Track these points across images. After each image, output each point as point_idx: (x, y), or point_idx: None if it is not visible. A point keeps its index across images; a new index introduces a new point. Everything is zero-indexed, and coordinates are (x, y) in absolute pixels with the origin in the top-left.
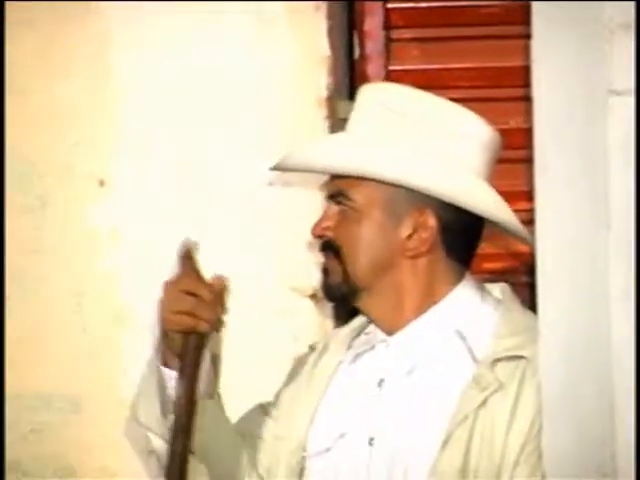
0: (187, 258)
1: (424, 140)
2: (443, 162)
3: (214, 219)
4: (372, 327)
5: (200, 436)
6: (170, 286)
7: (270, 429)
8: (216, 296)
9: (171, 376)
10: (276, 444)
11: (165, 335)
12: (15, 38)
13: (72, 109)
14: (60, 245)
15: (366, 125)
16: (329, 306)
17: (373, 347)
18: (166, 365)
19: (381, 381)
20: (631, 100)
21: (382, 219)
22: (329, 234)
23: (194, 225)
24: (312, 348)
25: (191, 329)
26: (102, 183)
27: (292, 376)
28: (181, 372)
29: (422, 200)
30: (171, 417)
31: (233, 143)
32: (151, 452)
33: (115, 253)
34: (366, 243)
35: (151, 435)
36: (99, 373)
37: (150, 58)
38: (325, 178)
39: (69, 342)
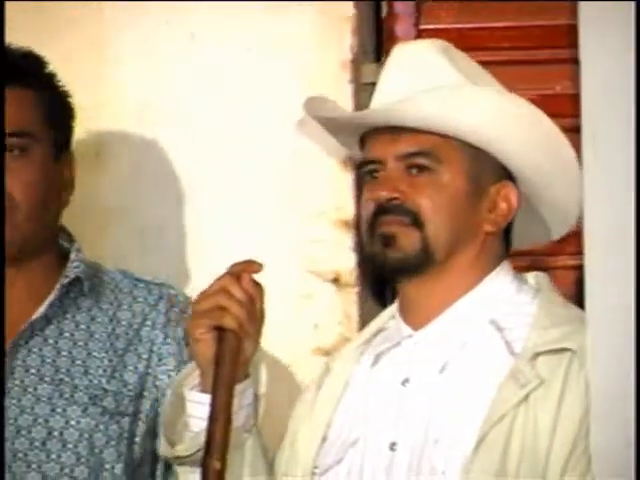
0: (241, 271)
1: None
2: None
3: (227, 197)
4: (392, 322)
5: (231, 473)
6: (201, 293)
7: (283, 457)
8: (250, 299)
9: (194, 399)
10: (288, 470)
11: (196, 343)
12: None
13: (65, 74)
14: None
15: (439, 81)
16: (353, 292)
17: (398, 344)
18: (192, 389)
19: (405, 380)
20: None
21: (467, 188)
22: (402, 197)
23: (204, 204)
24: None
25: (219, 323)
26: (98, 154)
27: (303, 394)
28: (217, 379)
29: (502, 172)
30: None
31: (245, 113)
32: None
33: (117, 231)
34: (452, 212)
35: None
36: None
37: (155, 19)
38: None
39: None
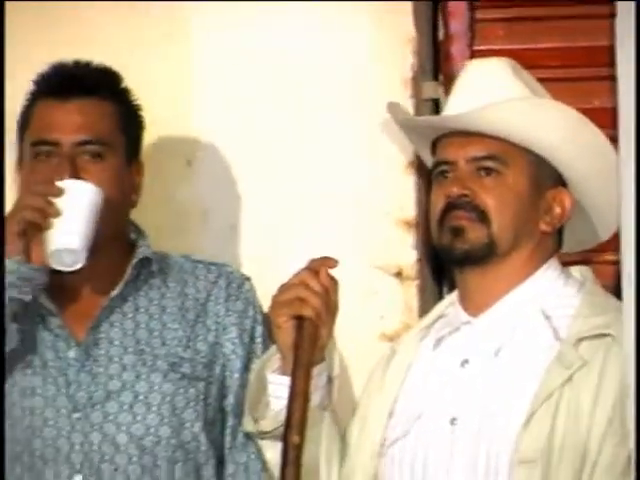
0: (319, 267)
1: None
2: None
3: (299, 198)
4: (451, 309)
5: (309, 446)
6: (282, 286)
7: (354, 430)
8: (326, 292)
9: (275, 381)
10: (359, 442)
11: (278, 330)
12: (103, 11)
13: (154, 83)
14: (148, 225)
15: (511, 93)
16: (414, 284)
17: (457, 329)
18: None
19: (464, 362)
20: None
21: (529, 190)
22: (471, 195)
23: (280, 206)
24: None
25: (299, 312)
26: (190, 163)
27: (371, 374)
28: (296, 362)
29: (558, 178)
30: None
31: (317, 124)
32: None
33: (204, 234)
34: (515, 211)
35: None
36: None
37: (233, 36)
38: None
39: None
